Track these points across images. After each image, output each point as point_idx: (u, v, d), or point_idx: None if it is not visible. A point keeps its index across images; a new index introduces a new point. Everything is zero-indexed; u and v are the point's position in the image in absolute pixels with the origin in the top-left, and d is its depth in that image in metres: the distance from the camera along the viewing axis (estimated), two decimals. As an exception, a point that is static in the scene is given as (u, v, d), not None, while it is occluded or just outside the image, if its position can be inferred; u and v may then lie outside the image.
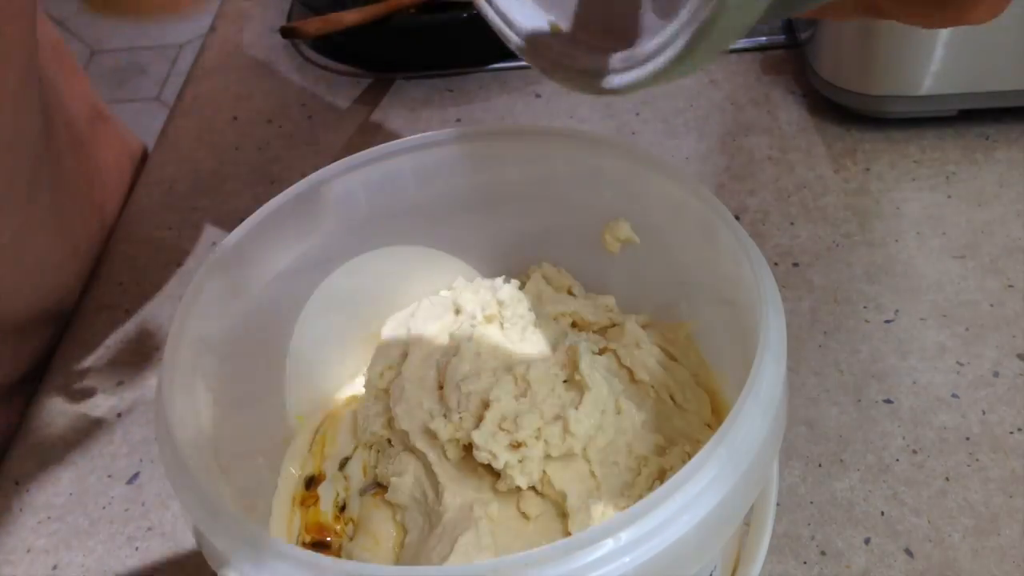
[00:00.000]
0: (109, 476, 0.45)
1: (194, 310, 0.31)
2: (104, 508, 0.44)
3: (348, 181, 0.36)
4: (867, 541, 0.38)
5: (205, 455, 0.29)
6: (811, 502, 0.40)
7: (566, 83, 0.21)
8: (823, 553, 0.38)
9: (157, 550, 0.42)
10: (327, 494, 0.37)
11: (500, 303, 0.35)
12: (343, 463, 0.38)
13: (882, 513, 0.39)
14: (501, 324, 0.36)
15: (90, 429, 0.47)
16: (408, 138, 0.37)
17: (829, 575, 0.37)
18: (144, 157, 0.65)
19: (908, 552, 0.38)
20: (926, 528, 0.38)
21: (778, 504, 0.39)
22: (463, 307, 0.37)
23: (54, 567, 0.42)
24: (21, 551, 0.42)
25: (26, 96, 0.45)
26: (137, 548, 0.42)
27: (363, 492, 0.36)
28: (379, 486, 0.36)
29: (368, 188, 0.37)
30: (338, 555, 0.35)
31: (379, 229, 0.38)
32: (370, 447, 0.37)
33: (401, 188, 0.37)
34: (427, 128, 0.38)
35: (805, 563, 0.38)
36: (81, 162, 0.56)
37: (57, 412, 0.48)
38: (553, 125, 0.38)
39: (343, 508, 0.37)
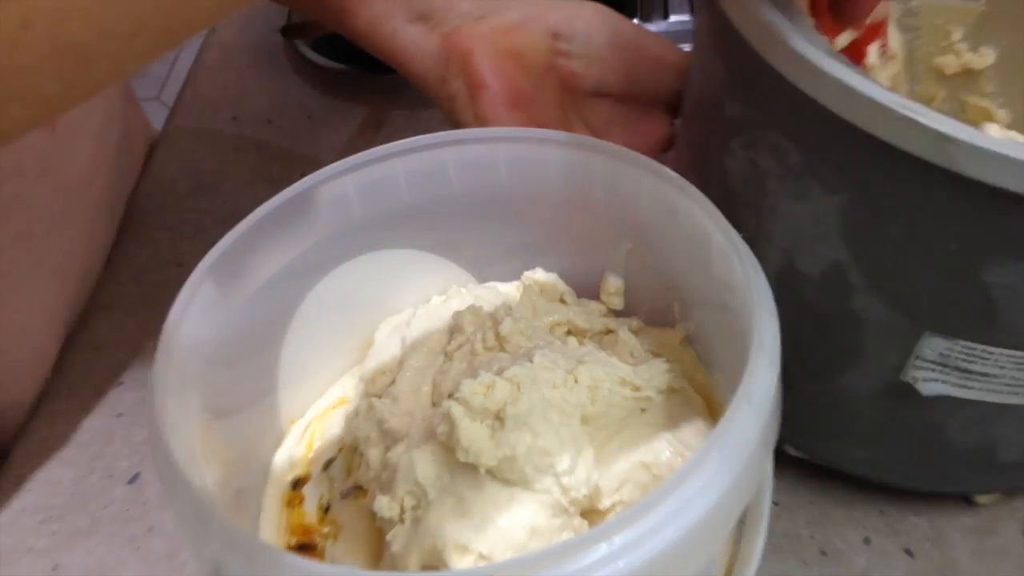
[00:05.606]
0: (109, 476, 0.45)
1: (186, 315, 0.31)
2: (104, 508, 0.44)
3: (341, 184, 0.36)
4: (867, 541, 0.38)
5: (197, 460, 0.29)
6: (811, 502, 0.39)
7: None
8: (823, 553, 0.38)
9: (157, 550, 0.42)
10: (312, 495, 0.37)
11: (502, 338, 0.34)
12: (327, 464, 0.37)
13: (882, 513, 0.39)
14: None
15: (90, 429, 0.47)
16: (401, 141, 0.37)
17: (829, 575, 0.37)
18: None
19: (908, 552, 0.38)
20: (926, 528, 0.38)
21: (778, 504, 0.39)
22: (463, 328, 0.36)
23: (54, 567, 0.42)
24: (21, 551, 0.42)
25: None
26: (138, 548, 0.42)
27: (344, 495, 0.36)
28: (359, 489, 0.36)
29: (361, 191, 0.37)
30: (322, 558, 0.34)
31: (372, 233, 0.38)
32: (355, 450, 0.37)
33: (394, 192, 0.37)
34: (427, 128, 0.38)
35: (805, 563, 0.38)
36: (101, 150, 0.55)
37: (57, 412, 0.48)
38: (547, 129, 0.37)
39: (327, 509, 0.36)
